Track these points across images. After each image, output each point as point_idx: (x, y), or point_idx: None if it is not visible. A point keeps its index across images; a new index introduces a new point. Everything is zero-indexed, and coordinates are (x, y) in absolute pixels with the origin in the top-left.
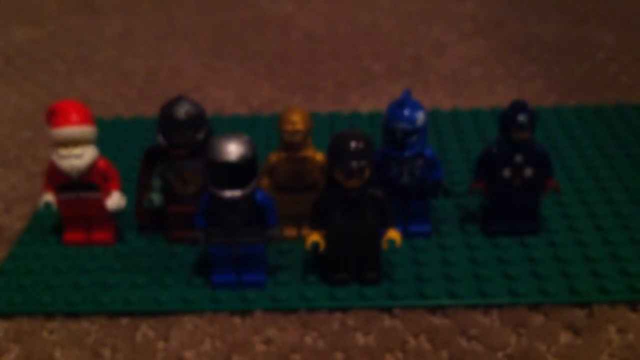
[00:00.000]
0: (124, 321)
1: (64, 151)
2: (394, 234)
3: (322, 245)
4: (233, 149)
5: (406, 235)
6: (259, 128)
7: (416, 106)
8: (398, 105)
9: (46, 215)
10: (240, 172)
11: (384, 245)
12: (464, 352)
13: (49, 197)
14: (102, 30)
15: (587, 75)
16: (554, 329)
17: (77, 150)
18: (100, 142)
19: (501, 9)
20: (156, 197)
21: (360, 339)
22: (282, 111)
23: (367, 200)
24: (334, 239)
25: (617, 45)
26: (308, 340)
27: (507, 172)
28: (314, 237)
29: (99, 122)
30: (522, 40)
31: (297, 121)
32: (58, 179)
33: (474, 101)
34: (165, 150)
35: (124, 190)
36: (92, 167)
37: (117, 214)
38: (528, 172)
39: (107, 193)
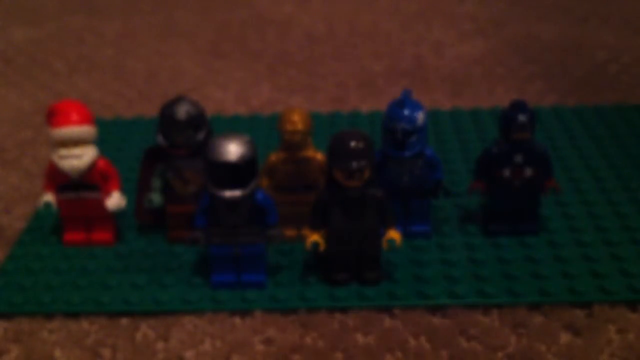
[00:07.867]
0: (124, 321)
1: (64, 151)
2: (394, 234)
3: (322, 245)
4: (233, 149)
5: (406, 235)
6: (259, 128)
7: (416, 106)
8: (398, 105)
9: (46, 215)
10: (240, 172)
11: (384, 245)
12: (464, 352)
13: (49, 197)
14: (102, 30)
15: (587, 75)
16: (554, 329)
17: (77, 150)
18: (100, 142)
19: (501, 9)
20: (156, 197)
21: (360, 339)
22: (282, 111)
23: (367, 200)
24: (334, 239)
25: (617, 45)
26: (308, 340)
27: (507, 172)
28: (314, 237)
29: (99, 122)
30: (522, 40)
31: (297, 121)
32: (58, 179)
33: (474, 101)
34: (165, 150)
35: (124, 190)
36: (92, 167)
37: (117, 214)
38: (528, 172)
39: (107, 193)
